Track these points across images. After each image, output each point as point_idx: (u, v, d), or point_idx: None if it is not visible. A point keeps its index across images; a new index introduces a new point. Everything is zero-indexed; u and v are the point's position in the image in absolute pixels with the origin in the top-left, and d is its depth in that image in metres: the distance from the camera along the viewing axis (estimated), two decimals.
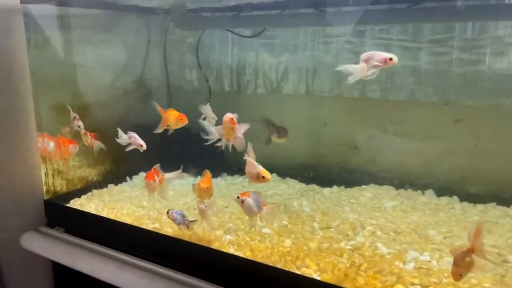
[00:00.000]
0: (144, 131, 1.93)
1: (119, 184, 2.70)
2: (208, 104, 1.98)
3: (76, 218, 2.25)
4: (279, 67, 2.69)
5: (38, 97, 2.30)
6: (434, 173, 2.36)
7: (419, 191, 2.37)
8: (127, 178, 2.77)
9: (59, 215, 2.32)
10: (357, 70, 1.45)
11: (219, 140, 1.77)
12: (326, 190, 2.48)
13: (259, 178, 1.58)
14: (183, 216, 1.87)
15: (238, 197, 1.62)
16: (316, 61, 2.57)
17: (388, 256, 1.73)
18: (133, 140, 1.91)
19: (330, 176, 2.59)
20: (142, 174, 2.81)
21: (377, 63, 1.40)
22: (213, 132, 1.76)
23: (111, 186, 2.65)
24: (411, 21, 2.31)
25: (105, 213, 2.25)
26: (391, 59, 1.42)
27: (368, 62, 1.42)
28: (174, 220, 1.87)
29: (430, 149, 2.36)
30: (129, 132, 1.93)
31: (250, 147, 1.61)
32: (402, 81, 2.37)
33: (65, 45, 2.50)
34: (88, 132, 2.17)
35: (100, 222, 2.14)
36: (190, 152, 2.52)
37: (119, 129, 1.93)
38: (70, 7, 2.49)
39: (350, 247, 1.80)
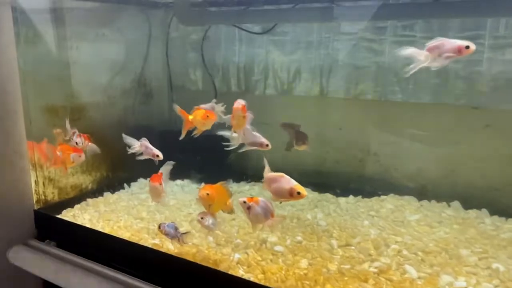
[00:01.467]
0: (144, 134, 1.75)
1: (116, 192, 2.51)
2: (214, 100, 1.77)
3: (68, 231, 2.06)
4: (290, 66, 2.49)
5: (28, 97, 2.10)
6: (460, 183, 2.18)
7: (444, 203, 2.18)
8: (125, 185, 2.59)
9: (50, 227, 2.13)
10: (420, 58, 1.23)
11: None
12: (342, 200, 2.29)
13: (293, 194, 1.33)
14: (176, 229, 1.68)
15: (244, 202, 1.43)
16: (331, 60, 2.37)
17: (419, 282, 1.53)
18: (146, 150, 1.69)
19: (346, 184, 2.39)
20: (141, 181, 2.63)
21: (449, 54, 1.17)
22: (235, 138, 1.58)
23: (107, 194, 2.47)
24: (437, 16, 2.12)
25: (100, 225, 2.06)
26: (467, 47, 1.18)
27: (434, 52, 1.20)
28: (167, 234, 1.68)
29: (456, 156, 2.18)
30: (141, 139, 1.71)
31: (266, 163, 1.41)
32: (427, 82, 2.18)
33: (58, 41, 2.33)
34: (81, 134, 1.96)
35: (94, 236, 1.95)
36: (194, 158, 2.34)
37: (130, 138, 1.72)
38: None
39: (375, 269, 1.61)
